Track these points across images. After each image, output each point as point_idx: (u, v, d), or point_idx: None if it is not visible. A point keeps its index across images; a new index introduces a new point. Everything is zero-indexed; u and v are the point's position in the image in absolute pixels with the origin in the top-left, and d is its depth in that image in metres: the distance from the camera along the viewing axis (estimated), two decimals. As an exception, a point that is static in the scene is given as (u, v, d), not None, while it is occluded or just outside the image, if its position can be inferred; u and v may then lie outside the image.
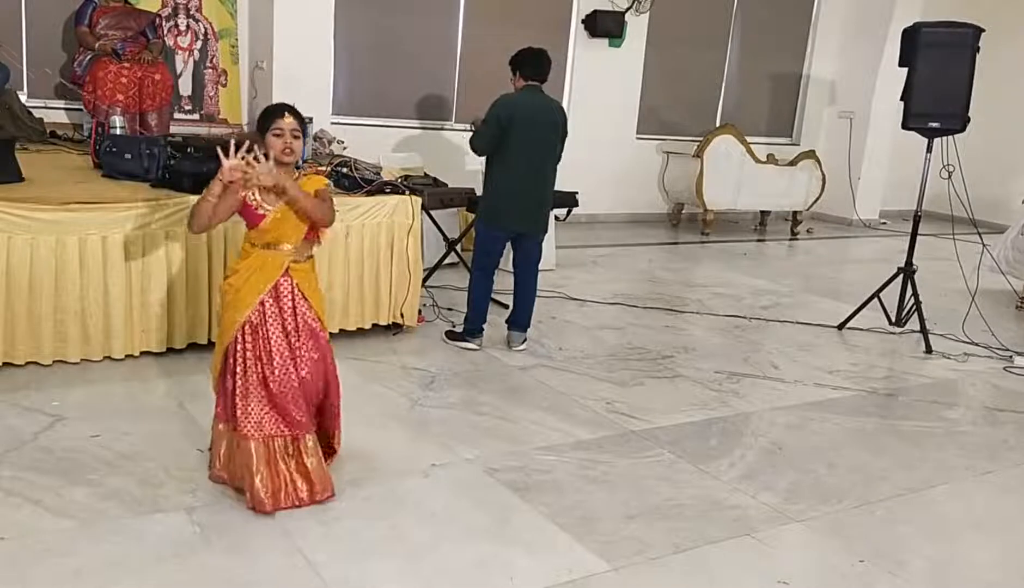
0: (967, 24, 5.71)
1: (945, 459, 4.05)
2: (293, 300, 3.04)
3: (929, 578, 3.03)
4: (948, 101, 5.62)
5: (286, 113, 3.04)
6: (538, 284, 5.09)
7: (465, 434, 3.83)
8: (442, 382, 4.48)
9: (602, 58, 9.28)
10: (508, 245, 5.03)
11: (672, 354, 5.22)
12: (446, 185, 6.17)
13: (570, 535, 3.06)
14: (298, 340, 3.04)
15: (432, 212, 6.03)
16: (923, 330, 5.76)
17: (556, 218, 6.69)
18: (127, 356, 4.28)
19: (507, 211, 4.83)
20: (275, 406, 3.01)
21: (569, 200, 6.66)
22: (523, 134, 4.71)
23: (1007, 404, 4.86)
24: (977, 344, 5.82)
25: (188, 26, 7.32)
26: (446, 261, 6.40)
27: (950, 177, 5.57)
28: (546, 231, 5.13)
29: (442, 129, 8.55)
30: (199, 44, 7.40)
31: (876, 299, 6.07)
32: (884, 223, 11.08)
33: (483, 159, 4.94)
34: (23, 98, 6.52)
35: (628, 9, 9.26)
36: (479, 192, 5.24)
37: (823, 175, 10.22)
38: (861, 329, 6.03)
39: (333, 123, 7.38)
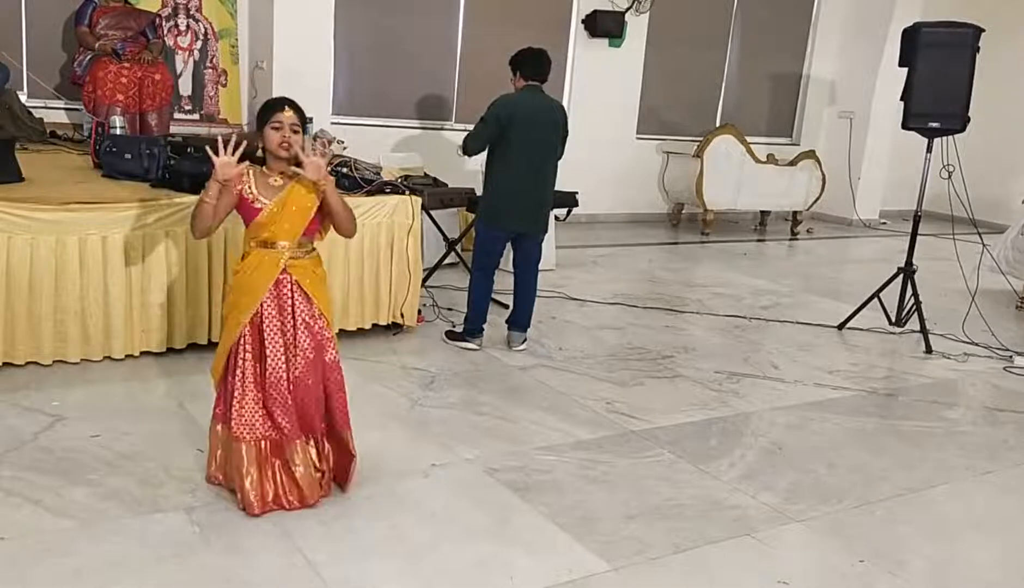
0: (967, 24, 5.71)
1: (945, 459, 4.05)
2: (292, 298, 3.00)
3: (929, 578, 3.03)
4: (948, 101, 5.62)
5: (286, 106, 2.98)
6: (538, 284, 5.09)
7: (465, 434, 3.83)
8: (442, 382, 4.48)
9: (602, 58, 9.28)
10: (508, 245, 5.03)
11: (672, 354, 5.22)
12: (446, 185, 6.17)
13: (570, 535, 3.06)
14: (294, 338, 3.00)
15: (432, 212, 6.03)
16: (923, 330, 5.76)
17: (556, 218, 6.69)
18: (127, 356, 4.28)
19: (507, 211, 4.83)
20: (266, 408, 2.99)
21: (569, 200, 6.66)
22: (523, 134, 4.71)
23: (1007, 404, 4.86)
24: (977, 344, 5.82)
25: (188, 26, 7.32)
26: (446, 261, 6.40)
27: (950, 177, 5.57)
28: (546, 231, 5.13)
29: (442, 129, 8.55)
30: (199, 44, 7.40)
31: (876, 299, 6.07)
32: (884, 223, 11.08)
33: (483, 159, 4.94)
34: (23, 98, 6.52)
35: (628, 9, 9.26)
36: (479, 192, 5.24)
37: (823, 175, 10.22)
38: (861, 329, 6.03)
39: (333, 123, 7.38)
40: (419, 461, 3.52)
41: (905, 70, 5.78)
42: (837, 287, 7.51)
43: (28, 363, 4.08)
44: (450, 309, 5.59)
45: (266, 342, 2.97)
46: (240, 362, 2.98)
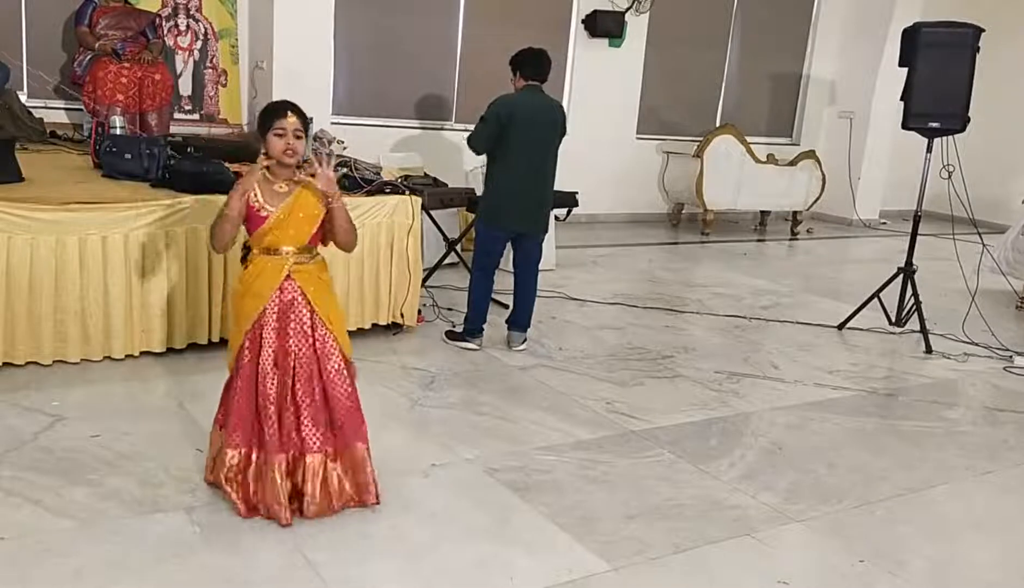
0: (967, 24, 5.71)
1: (945, 459, 4.05)
2: (294, 305, 2.94)
3: (929, 578, 3.03)
4: (948, 101, 5.62)
5: (288, 112, 2.92)
6: (538, 284, 5.09)
7: (465, 434, 3.83)
8: (442, 382, 4.48)
9: (602, 58, 9.28)
10: (508, 245, 5.03)
11: (672, 354, 5.22)
12: (446, 185, 6.17)
13: (570, 535, 3.06)
14: (296, 348, 2.94)
15: (432, 212, 6.03)
16: (923, 330, 5.76)
17: (556, 218, 6.68)
18: (127, 356, 4.28)
19: (507, 211, 4.83)
20: (259, 420, 2.94)
21: (569, 200, 6.66)
22: (523, 134, 4.71)
23: (1007, 404, 4.86)
24: (977, 344, 5.82)
25: (188, 26, 7.32)
26: (446, 261, 6.39)
27: (950, 177, 5.57)
28: (546, 231, 5.12)
29: (442, 129, 8.55)
30: (199, 44, 7.40)
31: (876, 299, 6.07)
32: (884, 223, 11.08)
33: (483, 159, 4.94)
34: (23, 98, 6.52)
35: (628, 9, 9.26)
36: (479, 192, 5.24)
37: (823, 175, 10.22)
38: (861, 329, 6.03)
39: (333, 123, 7.37)
40: (419, 461, 3.52)
41: (905, 70, 5.78)
42: (837, 287, 7.51)
43: (28, 363, 4.08)
44: (450, 309, 5.59)
45: (261, 351, 2.92)
46: (240, 369, 2.96)
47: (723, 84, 10.46)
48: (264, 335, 2.93)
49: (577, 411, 4.21)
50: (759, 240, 9.88)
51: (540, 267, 5.09)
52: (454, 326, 5.17)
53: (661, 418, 4.20)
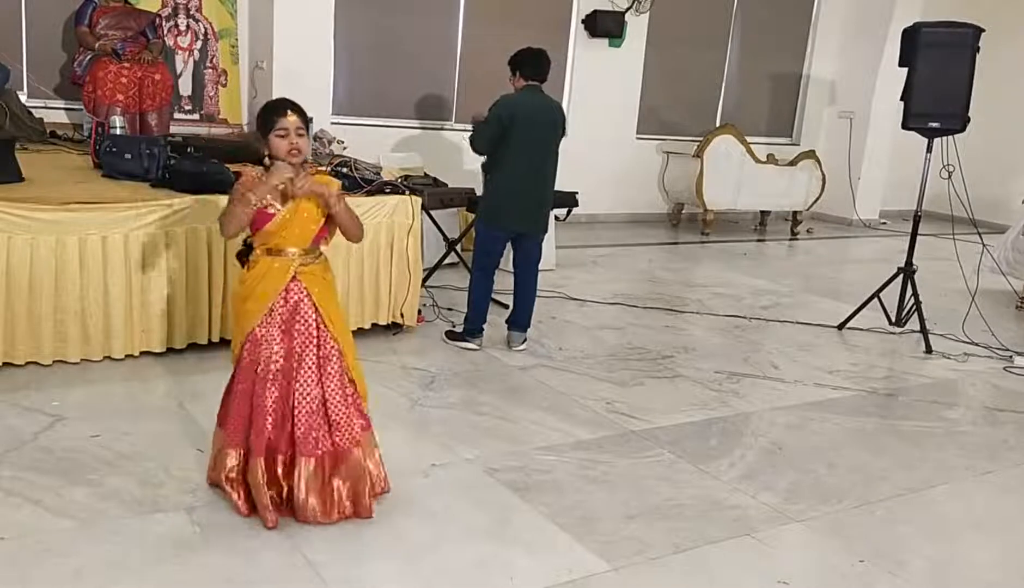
0: (967, 24, 5.71)
1: (945, 459, 4.05)
2: (300, 307, 2.92)
3: (929, 578, 3.03)
4: (948, 101, 5.62)
5: (288, 110, 2.87)
6: (538, 284, 5.09)
7: (465, 434, 3.83)
8: (442, 382, 4.48)
9: (602, 58, 9.28)
10: (508, 245, 5.03)
11: (672, 354, 5.22)
12: (446, 185, 6.17)
13: (570, 535, 3.06)
14: (301, 349, 2.92)
15: (432, 212, 6.03)
16: (923, 330, 5.76)
17: (556, 218, 6.69)
18: (127, 356, 4.28)
19: (507, 211, 4.83)
20: (253, 422, 2.91)
21: (569, 200, 6.66)
22: (524, 134, 4.71)
23: (1007, 404, 4.86)
24: (977, 344, 5.82)
25: (188, 26, 7.32)
26: (446, 261, 6.40)
27: (950, 177, 5.57)
28: (546, 231, 5.13)
29: (442, 129, 8.55)
30: (199, 44, 7.40)
31: (876, 299, 6.07)
32: (884, 223, 11.08)
33: (483, 159, 4.94)
34: (23, 98, 6.52)
35: (628, 9, 9.26)
36: (479, 192, 5.23)
37: (823, 175, 10.22)
38: (861, 329, 6.03)
39: (333, 123, 7.38)
40: (419, 461, 3.52)
41: (905, 70, 5.78)
42: (837, 287, 7.51)
43: (28, 363, 4.08)
44: (450, 309, 5.59)
45: (261, 354, 2.90)
46: (240, 371, 2.95)
47: (723, 84, 10.46)
48: (268, 338, 2.90)
49: (577, 411, 4.21)
50: (759, 240, 9.88)
51: (540, 267, 5.09)
52: (454, 326, 5.17)
53: (661, 418, 4.20)
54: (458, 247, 6.55)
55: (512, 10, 8.71)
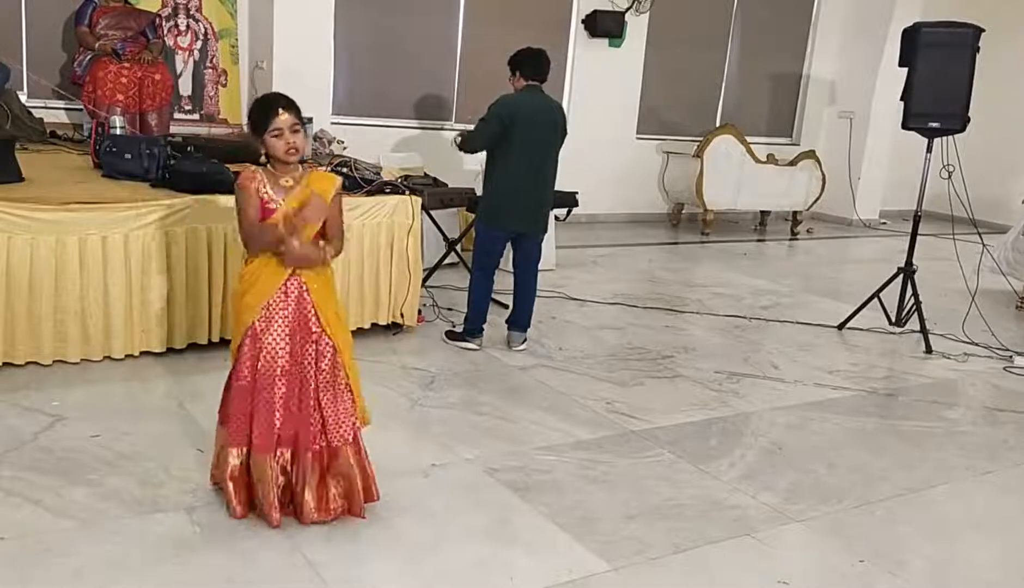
0: (967, 24, 5.71)
1: (945, 459, 4.05)
2: (300, 302, 2.91)
3: (929, 578, 3.03)
4: (948, 101, 5.62)
5: (280, 108, 2.79)
6: (538, 284, 5.09)
7: (465, 434, 3.83)
8: (442, 382, 4.48)
9: (602, 58, 9.28)
10: (508, 245, 5.03)
11: (672, 354, 5.22)
12: (446, 185, 6.17)
13: (570, 535, 3.06)
14: (300, 346, 2.91)
15: (432, 212, 6.03)
16: (923, 330, 5.76)
17: (556, 218, 6.69)
18: (127, 356, 4.28)
19: (507, 211, 4.83)
20: (253, 417, 2.90)
21: (569, 200, 6.66)
22: (524, 134, 4.70)
23: (1007, 404, 4.86)
24: (977, 344, 5.82)
25: (188, 26, 7.32)
26: (446, 261, 6.40)
27: (950, 177, 5.57)
28: (546, 231, 5.13)
29: (442, 129, 8.54)
30: (199, 44, 7.40)
31: (876, 299, 6.07)
32: (884, 223, 11.08)
33: (483, 159, 4.94)
34: (23, 98, 6.51)
35: (628, 9, 9.26)
36: (479, 192, 5.23)
37: (823, 175, 10.22)
38: (861, 329, 6.03)
39: (333, 123, 7.38)
40: (419, 461, 3.52)
41: (905, 70, 5.78)
42: (837, 287, 7.51)
43: (28, 363, 4.07)
44: (450, 309, 5.59)
45: (266, 348, 2.88)
46: (239, 367, 2.92)
47: (723, 84, 10.46)
48: (269, 332, 2.89)
49: (577, 411, 4.21)
50: (759, 240, 9.88)
51: (540, 267, 5.09)
52: (454, 326, 5.17)
53: (661, 418, 4.20)
54: (458, 247, 6.56)
55: (512, 10, 8.71)
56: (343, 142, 6.23)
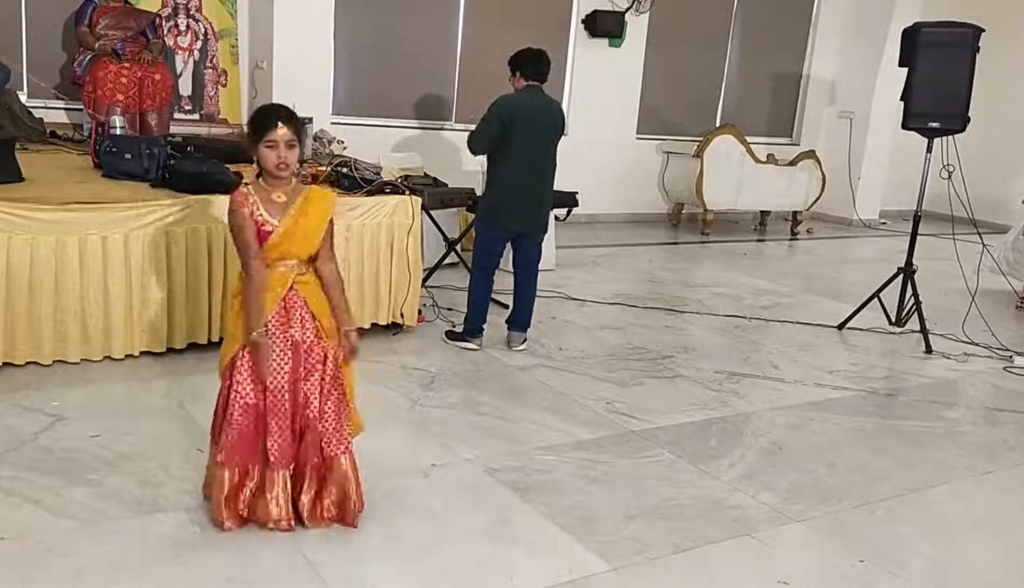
0: (967, 24, 5.71)
1: (945, 459, 4.05)
2: (300, 316, 2.88)
3: (929, 578, 3.03)
4: (948, 101, 5.62)
5: (279, 122, 2.76)
6: (538, 284, 5.09)
7: (465, 434, 3.83)
8: (442, 382, 4.48)
9: (602, 58, 9.28)
10: (508, 245, 5.02)
11: (672, 354, 5.22)
12: (446, 185, 6.17)
13: (570, 535, 3.06)
14: (299, 360, 2.88)
15: (432, 212, 6.03)
16: (923, 330, 5.76)
17: (556, 218, 6.68)
18: (127, 356, 4.28)
19: (507, 211, 4.83)
20: (259, 433, 2.87)
21: (569, 200, 6.66)
22: (524, 134, 4.71)
23: (1007, 404, 4.86)
24: (977, 344, 5.82)
25: (188, 26, 7.32)
26: (446, 261, 6.39)
27: (950, 177, 5.57)
28: (546, 231, 5.13)
29: (442, 129, 8.54)
30: (199, 44, 7.40)
31: (876, 299, 6.07)
32: (884, 223, 11.08)
33: (483, 159, 4.94)
34: (23, 98, 6.52)
35: (628, 9, 9.26)
36: (479, 192, 5.23)
37: (823, 175, 10.22)
38: (861, 329, 6.03)
39: (333, 123, 7.37)
40: (419, 461, 3.52)
41: (905, 70, 5.78)
42: (837, 287, 7.51)
43: (28, 363, 4.07)
44: (450, 309, 5.59)
45: (266, 361, 2.84)
46: (236, 384, 2.86)
47: (723, 84, 10.46)
48: (272, 351, 2.84)
49: (577, 411, 4.21)
50: (759, 240, 9.88)
51: (540, 267, 5.09)
52: (454, 326, 5.17)
53: (661, 418, 4.20)
54: (458, 247, 6.55)
55: (512, 10, 8.71)
56: (343, 142, 6.22)
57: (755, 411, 4.42)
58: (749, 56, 10.54)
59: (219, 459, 2.87)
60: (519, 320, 5.05)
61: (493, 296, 5.14)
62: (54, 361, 4.12)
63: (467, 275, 5.34)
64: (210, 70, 7.46)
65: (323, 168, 5.07)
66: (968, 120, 5.66)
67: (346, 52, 7.95)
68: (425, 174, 6.33)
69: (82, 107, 6.49)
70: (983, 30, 5.64)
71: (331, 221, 2.96)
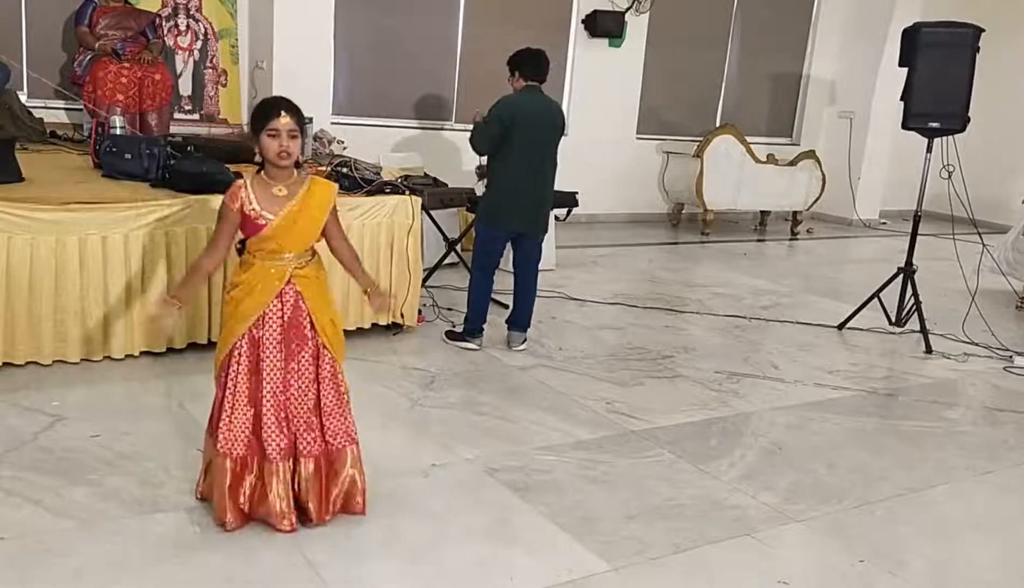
0: (967, 24, 5.71)
1: (945, 459, 4.05)
2: (295, 310, 2.88)
3: (929, 578, 3.03)
4: (948, 101, 5.62)
5: (282, 111, 2.75)
6: (538, 284, 5.09)
7: (465, 434, 3.83)
8: (442, 382, 4.48)
9: (602, 58, 9.28)
10: (508, 245, 5.03)
11: (672, 354, 5.22)
12: (446, 185, 6.17)
13: (570, 535, 3.06)
14: (297, 351, 2.89)
15: (432, 212, 6.03)
16: (923, 330, 5.76)
17: (556, 218, 6.69)
18: (127, 356, 4.28)
19: (507, 211, 4.83)
20: (256, 427, 2.87)
21: (569, 200, 6.66)
22: (524, 134, 4.71)
23: (1007, 404, 4.86)
24: (977, 344, 5.82)
25: (188, 26, 7.32)
26: (446, 261, 6.40)
27: (950, 177, 5.57)
28: (546, 231, 5.13)
29: (442, 129, 8.55)
30: (199, 44, 7.40)
31: (876, 299, 6.07)
32: (884, 223, 11.08)
33: (483, 159, 4.94)
34: (23, 98, 6.52)
35: (628, 9, 9.26)
36: (479, 192, 5.23)
37: (823, 175, 10.22)
38: (861, 329, 6.03)
39: (333, 123, 7.38)
40: (419, 461, 3.52)
41: (905, 70, 5.78)
42: (837, 287, 7.51)
43: (28, 363, 4.08)
44: (450, 309, 5.59)
45: (264, 356, 2.85)
46: (233, 375, 2.86)
47: (723, 84, 10.46)
48: (267, 340, 2.86)
49: (577, 411, 4.21)
50: (759, 240, 9.88)
51: (540, 267, 5.09)
52: (454, 326, 5.17)
53: (661, 418, 4.20)
54: (458, 247, 6.56)
55: (512, 10, 8.71)
56: (343, 142, 6.23)
57: (755, 411, 4.42)
58: (749, 56, 10.54)
59: (219, 448, 2.86)
60: (519, 320, 5.05)
61: (493, 296, 5.14)
62: (54, 361, 4.12)
63: (467, 275, 5.34)
64: (210, 70, 7.46)
65: (323, 168, 5.07)
66: (968, 120, 5.66)
67: (346, 52, 7.96)
68: (425, 174, 6.34)
69: (82, 107, 6.49)
70: (983, 30, 5.64)
71: (334, 209, 2.96)
